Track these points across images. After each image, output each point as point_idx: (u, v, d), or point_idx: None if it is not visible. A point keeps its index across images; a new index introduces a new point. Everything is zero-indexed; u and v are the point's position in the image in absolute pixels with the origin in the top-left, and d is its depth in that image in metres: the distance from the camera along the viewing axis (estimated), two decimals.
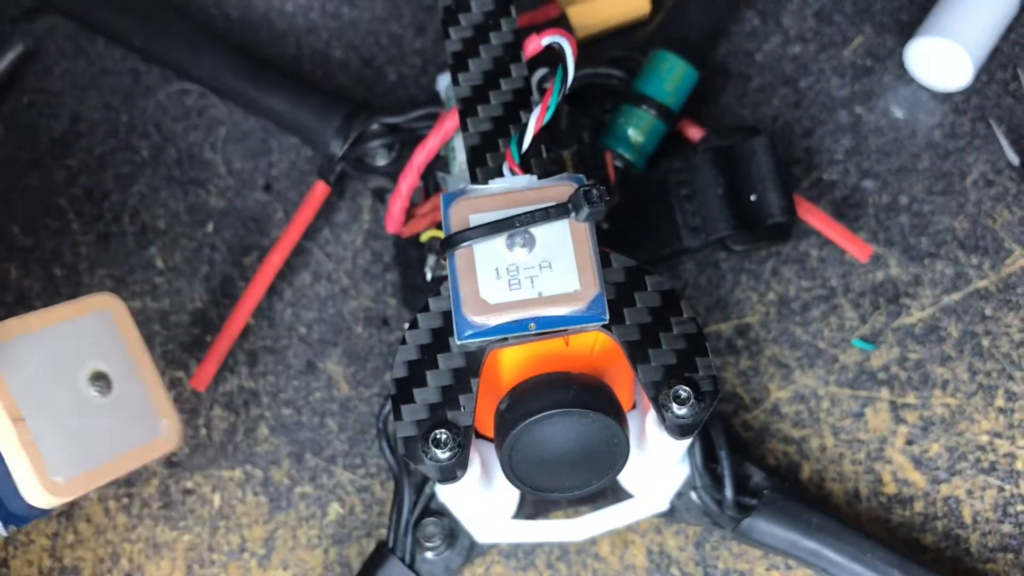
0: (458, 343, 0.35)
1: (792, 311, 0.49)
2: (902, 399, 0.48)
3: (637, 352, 0.35)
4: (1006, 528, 0.46)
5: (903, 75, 0.54)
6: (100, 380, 0.38)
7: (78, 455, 0.36)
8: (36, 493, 0.35)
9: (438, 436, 0.34)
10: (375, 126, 0.49)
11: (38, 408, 0.35)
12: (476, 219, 0.36)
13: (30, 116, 0.55)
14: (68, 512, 0.47)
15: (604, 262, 0.36)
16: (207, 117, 0.54)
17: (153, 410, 0.39)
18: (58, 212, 0.53)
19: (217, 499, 0.47)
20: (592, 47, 0.54)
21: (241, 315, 0.48)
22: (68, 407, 0.36)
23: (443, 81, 0.50)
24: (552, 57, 0.41)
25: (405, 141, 0.50)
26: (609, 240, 0.47)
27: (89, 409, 0.37)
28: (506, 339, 0.35)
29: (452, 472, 0.35)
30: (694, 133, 0.51)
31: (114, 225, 0.52)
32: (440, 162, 0.47)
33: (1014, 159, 0.51)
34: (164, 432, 0.39)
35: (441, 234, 0.45)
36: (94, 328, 0.38)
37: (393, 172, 0.50)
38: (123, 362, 0.38)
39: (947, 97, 0.53)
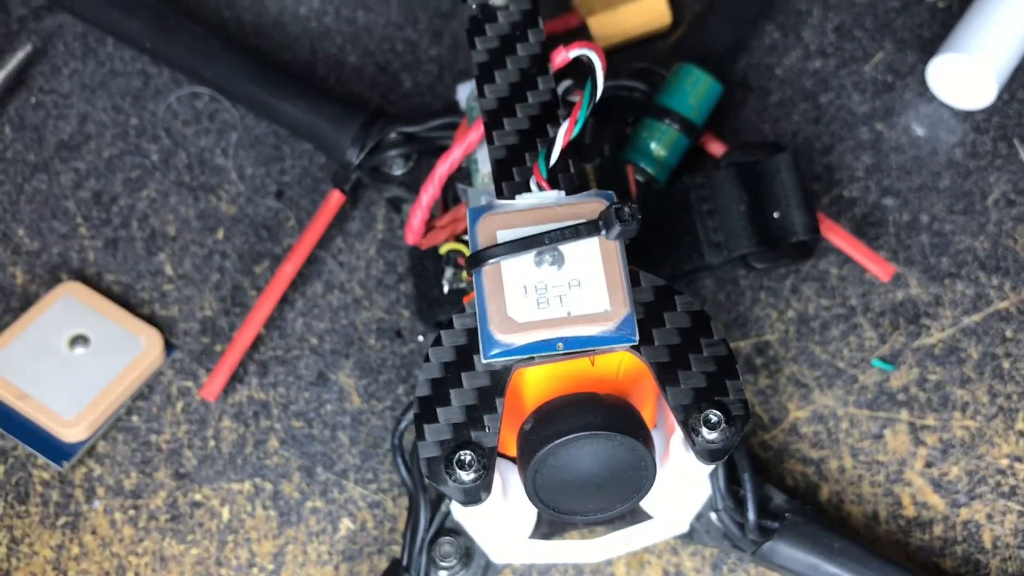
0: (483, 361, 0.34)
1: (811, 330, 0.49)
2: (921, 421, 0.47)
3: (666, 374, 0.35)
4: None
5: (924, 92, 0.53)
6: (79, 340, 0.47)
7: (78, 395, 0.46)
8: (64, 434, 0.46)
9: (462, 457, 0.33)
10: (392, 135, 0.48)
11: (36, 382, 0.47)
12: (504, 235, 0.35)
13: (37, 117, 0.54)
14: (73, 523, 0.46)
15: (633, 281, 0.36)
16: (218, 121, 0.53)
17: (130, 335, 0.48)
18: (65, 216, 0.52)
19: (226, 512, 0.46)
20: (612, 57, 0.53)
21: (252, 326, 0.47)
22: (59, 370, 0.47)
23: (463, 91, 0.49)
24: (578, 68, 0.40)
25: (422, 151, 0.49)
26: (629, 255, 0.46)
27: (77, 362, 0.47)
28: (532, 358, 0.35)
29: (476, 494, 0.34)
30: (716, 148, 0.50)
31: (122, 230, 0.51)
32: (460, 173, 0.46)
33: None
34: (145, 346, 0.47)
35: (461, 247, 0.45)
36: (61, 310, 0.48)
37: (409, 182, 0.49)
38: (93, 319, 0.48)
39: (968, 115, 0.53)
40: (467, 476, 0.33)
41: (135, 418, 0.48)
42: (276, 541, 0.46)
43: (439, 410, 0.34)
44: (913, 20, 0.55)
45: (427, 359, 0.35)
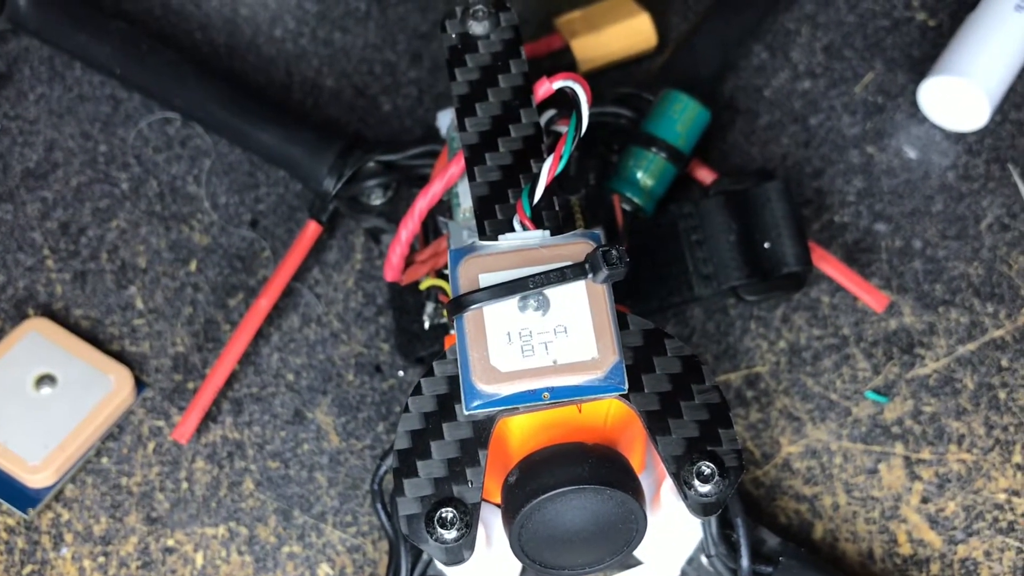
0: (466, 413, 0.33)
1: (803, 361, 0.48)
2: (917, 455, 0.46)
3: (656, 423, 0.33)
4: None
5: (915, 113, 0.52)
6: (45, 380, 0.46)
7: (44, 438, 0.45)
8: (29, 480, 0.44)
9: (444, 515, 0.32)
10: (371, 164, 0.47)
11: (0, 424, 0.45)
12: (486, 279, 0.34)
13: (2, 144, 0.52)
14: (39, 572, 0.44)
15: (621, 324, 0.34)
16: (191, 148, 0.52)
17: (99, 374, 0.46)
18: (32, 248, 0.50)
19: (200, 558, 0.44)
20: (597, 80, 0.52)
21: (226, 362, 0.45)
22: (24, 411, 0.45)
23: (443, 118, 0.47)
24: (562, 96, 0.39)
25: (402, 180, 0.47)
26: (616, 287, 0.45)
27: (43, 403, 0.45)
28: (517, 408, 0.33)
29: (459, 554, 0.32)
30: (704, 175, 0.48)
31: (91, 262, 0.49)
32: (441, 206, 0.44)
33: None
34: (114, 385, 0.46)
35: (442, 282, 0.43)
36: (27, 348, 0.46)
37: (389, 212, 0.47)
38: (61, 357, 0.46)
39: (960, 137, 0.52)
40: (449, 535, 0.32)
41: (105, 460, 0.46)
42: None
43: (419, 463, 0.33)
44: (903, 39, 0.54)
45: (406, 409, 0.34)
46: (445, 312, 0.43)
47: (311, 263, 0.49)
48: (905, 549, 0.45)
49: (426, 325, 0.45)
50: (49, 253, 0.50)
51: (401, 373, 0.47)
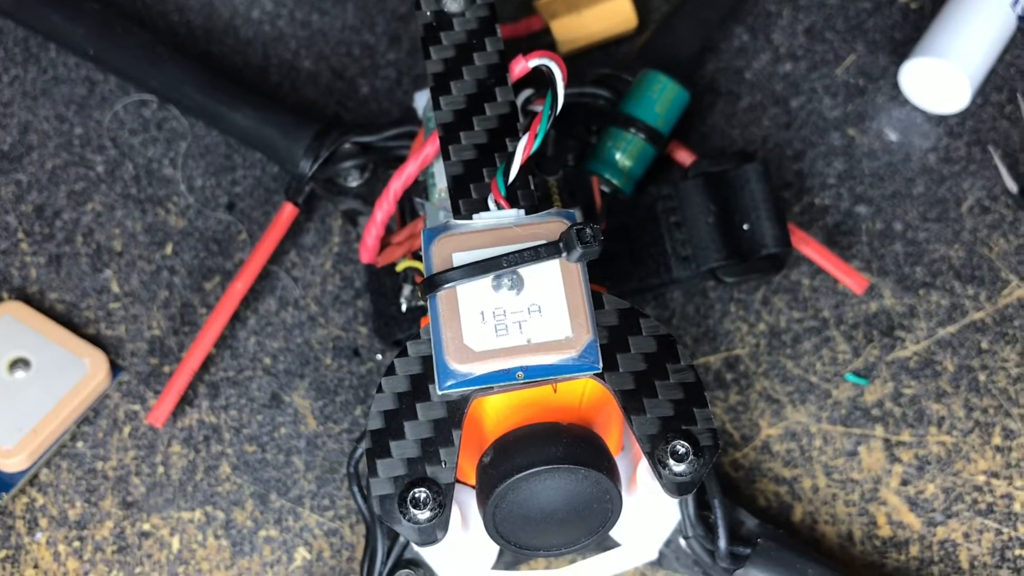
0: (439, 393, 0.33)
1: (783, 343, 0.47)
2: (896, 437, 0.46)
3: (631, 402, 0.33)
4: (1003, 574, 0.44)
5: (897, 96, 0.52)
6: (19, 363, 0.45)
7: (18, 422, 0.44)
8: (3, 464, 0.44)
9: (417, 495, 0.32)
10: (347, 145, 0.46)
11: None
12: (460, 258, 0.33)
13: None
14: (14, 557, 0.44)
15: (596, 304, 0.34)
16: (167, 130, 0.51)
17: (74, 358, 0.45)
18: (6, 231, 0.49)
19: (176, 542, 0.44)
20: (576, 62, 0.52)
21: (202, 346, 0.45)
22: None
23: (420, 99, 0.47)
24: (539, 76, 0.39)
25: (378, 161, 0.47)
26: (594, 269, 0.45)
27: (17, 387, 0.45)
28: (491, 388, 0.33)
29: (432, 534, 0.32)
30: (684, 156, 0.48)
31: (66, 246, 0.49)
32: (418, 187, 0.44)
33: (1012, 187, 0.50)
34: (89, 368, 0.45)
35: (418, 264, 0.43)
36: (1, 331, 0.46)
37: (366, 194, 0.47)
38: (35, 341, 0.46)
39: (941, 120, 0.52)
40: (422, 515, 0.32)
41: (80, 444, 0.46)
42: (229, 572, 0.44)
43: (392, 444, 0.33)
44: (885, 21, 0.54)
45: (380, 389, 0.33)
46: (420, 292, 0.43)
47: (288, 246, 0.49)
48: (884, 531, 0.44)
49: (403, 308, 0.45)
50: (23, 236, 0.49)
51: (379, 356, 0.47)
